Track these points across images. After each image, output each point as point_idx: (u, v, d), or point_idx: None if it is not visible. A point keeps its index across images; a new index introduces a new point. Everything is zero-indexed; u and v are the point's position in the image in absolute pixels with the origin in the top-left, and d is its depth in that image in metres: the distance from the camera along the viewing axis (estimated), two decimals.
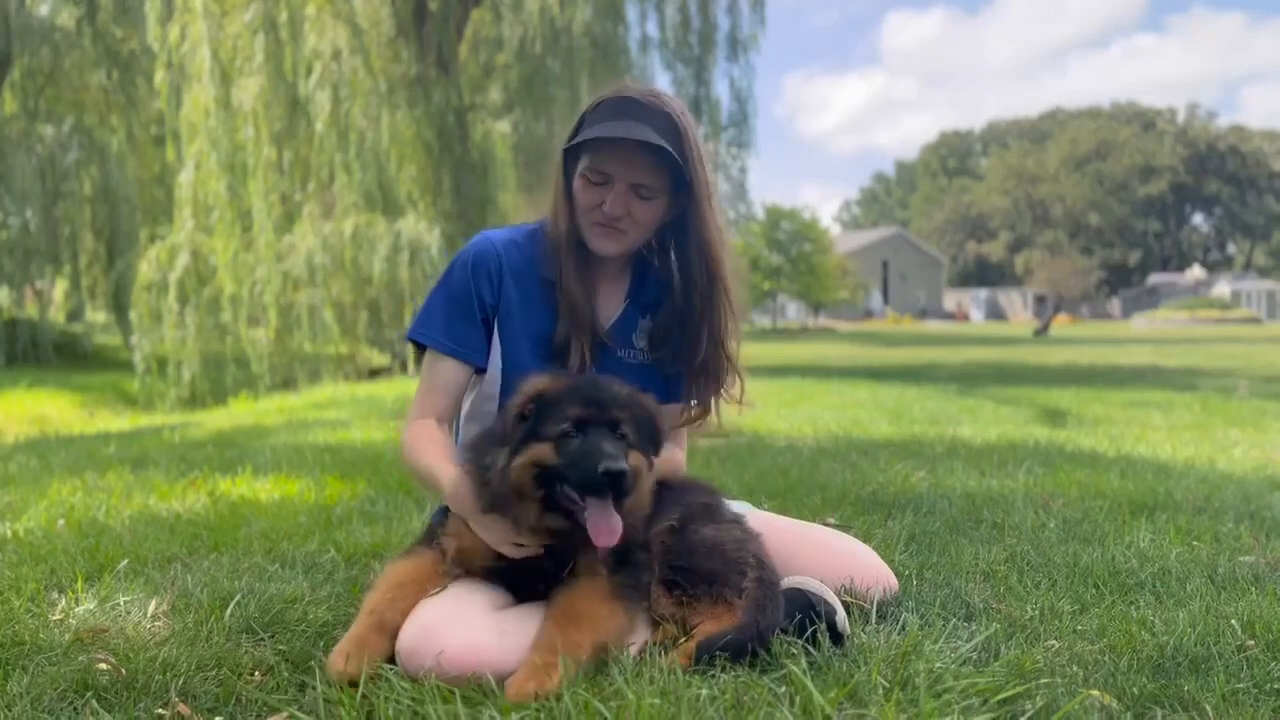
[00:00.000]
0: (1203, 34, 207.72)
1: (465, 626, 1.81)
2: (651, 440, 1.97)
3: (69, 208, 19.74)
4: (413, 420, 2.23)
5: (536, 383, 1.96)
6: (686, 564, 2.01)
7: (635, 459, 1.89)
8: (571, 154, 2.20)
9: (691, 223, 2.20)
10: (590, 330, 2.22)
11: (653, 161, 2.11)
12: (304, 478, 4.51)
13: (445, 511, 2.11)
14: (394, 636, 1.84)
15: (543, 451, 1.85)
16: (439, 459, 2.10)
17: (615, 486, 1.80)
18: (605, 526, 1.82)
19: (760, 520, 2.34)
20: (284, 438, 6.84)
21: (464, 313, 2.22)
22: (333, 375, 16.16)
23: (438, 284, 2.28)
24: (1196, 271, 71.19)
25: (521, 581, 1.98)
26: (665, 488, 2.26)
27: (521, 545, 1.94)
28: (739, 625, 1.89)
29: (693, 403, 2.33)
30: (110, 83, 20.17)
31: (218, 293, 15.08)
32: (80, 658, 1.93)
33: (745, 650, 1.84)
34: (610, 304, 2.33)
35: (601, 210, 2.15)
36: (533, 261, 2.26)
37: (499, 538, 1.95)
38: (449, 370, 2.23)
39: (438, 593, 1.94)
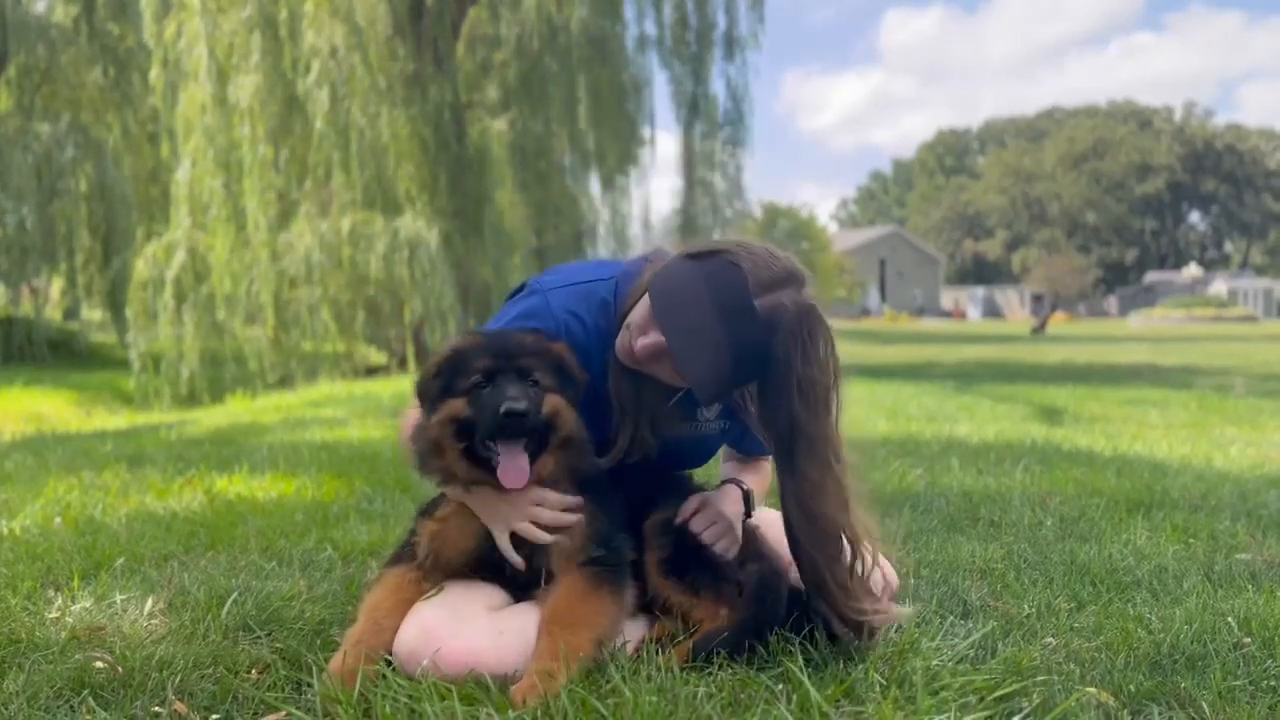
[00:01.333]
0: (1201, 32, 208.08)
1: (463, 627, 1.81)
2: (572, 384, 1.98)
3: (65, 205, 19.66)
4: (414, 409, 2.18)
5: (452, 341, 2.03)
6: (694, 552, 2.01)
7: (554, 402, 1.93)
8: None
9: (773, 398, 1.89)
10: (649, 419, 2.06)
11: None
12: (301, 476, 4.50)
13: (426, 511, 2.10)
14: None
15: (457, 406, 1.92)
16: None
17: (516, 426, 1.83)
18: (513, 468, 1.86)
19: (762, 517, 2.34)
20: (281, 436, 6.82)
21: None
22: (330, 373, 16.12)
23: (494, 323, 2.12)
24: (1193, 270, 71.24)
25: (498, 571, 1.99)
26: (667, 478, 2.26)
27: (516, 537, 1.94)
28: (736, 622, 1.89)
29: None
30: (106, 80, 20.11)
31: (214, 290, 15.05)
32: (77, 656, 1.93)
33: (742, 647, 1.84)
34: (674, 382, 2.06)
35: (629, 338, 1.95)
36: (598, 335, 2.07)
37: (501, 520, 1.95)
38: None
39: (435, 594, 1.94)
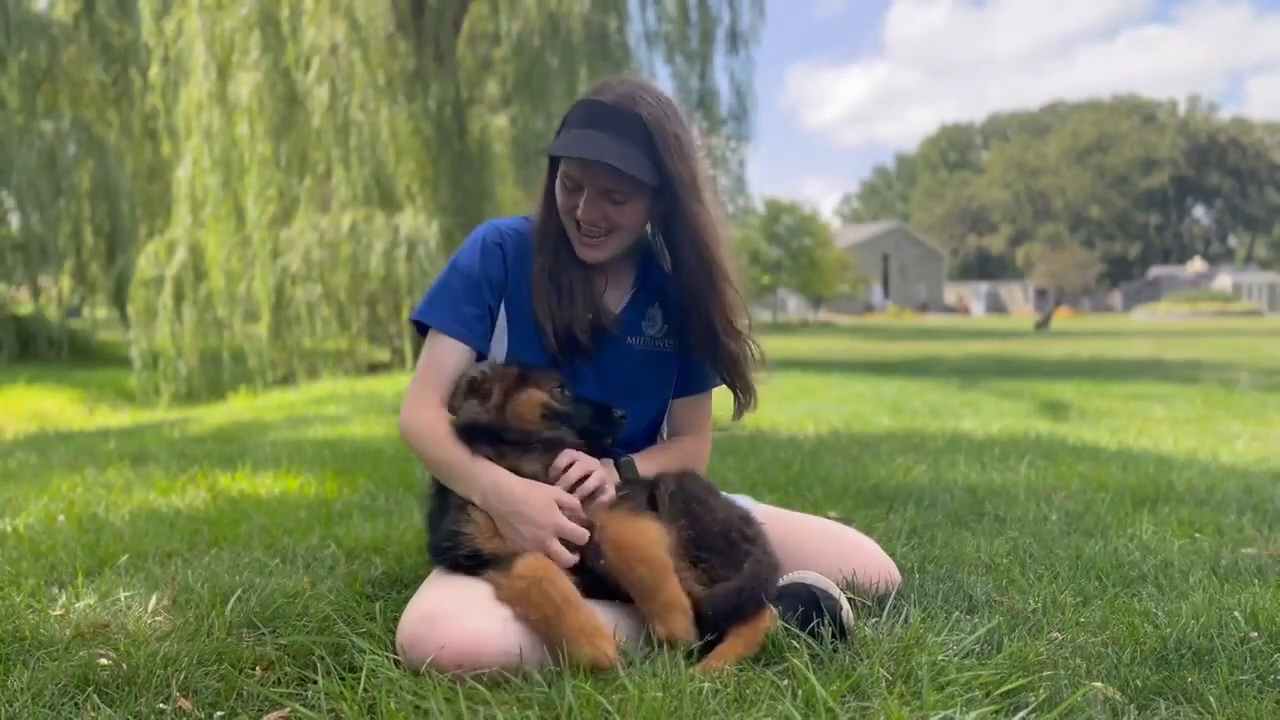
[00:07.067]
0: (1210, 25, 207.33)
1: (468, 616, 1.78)
2: None
3: (69, 204, 19.70)
4: (417, 403, 2.16)
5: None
6: (708, 542, 2.00)
7: None
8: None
9: (677, 217, 2.16)
10: (588, 316, 2.21)
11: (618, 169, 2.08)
12: (304, 473, 4.50)
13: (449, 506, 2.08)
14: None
15: (539, 396, 2.08)
16: (466, 453, 2.05)
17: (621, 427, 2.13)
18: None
19: (763, 514, 2.33)
20: (284, 433, 6.83)
21: (471, 296, 2.20)
22: (332, 371, 16.12)
23: (445, 271, 2.27)
24: (1198, 264, 71.04)
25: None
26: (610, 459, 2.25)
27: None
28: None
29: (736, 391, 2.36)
30: (106, 77, 20.11)
31: (212, 287, 15.06)
32: (81, 653, 1.92)
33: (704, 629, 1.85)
34: (617, 291, 2.32)
35: (575, 216, 2.15)
36: (532, 249, 2.27)
37: (529, 542, 1.92)
38: (452, 352, 2.18)
39: (439, 578, 1.93)
